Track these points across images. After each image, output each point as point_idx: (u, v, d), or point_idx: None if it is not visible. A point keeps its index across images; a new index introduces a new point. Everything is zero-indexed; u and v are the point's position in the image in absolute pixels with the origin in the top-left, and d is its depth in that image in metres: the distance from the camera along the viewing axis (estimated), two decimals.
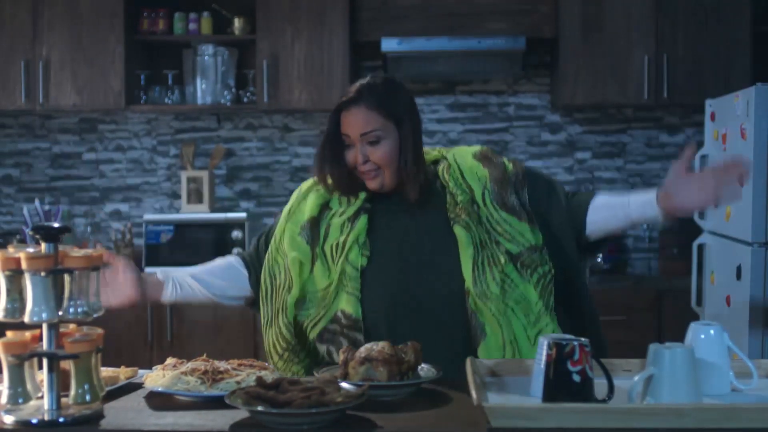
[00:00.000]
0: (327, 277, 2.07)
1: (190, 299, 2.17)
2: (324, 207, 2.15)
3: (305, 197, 2.18)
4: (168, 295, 2.14)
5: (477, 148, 2.21)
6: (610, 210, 2.08)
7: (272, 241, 2.18)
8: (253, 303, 2.23)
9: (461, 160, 2.15)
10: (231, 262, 2.22)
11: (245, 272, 2.20)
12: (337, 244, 2.08)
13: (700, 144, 4.12)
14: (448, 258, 2.04)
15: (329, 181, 2.12)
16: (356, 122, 2.05)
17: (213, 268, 2.21)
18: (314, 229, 2.12)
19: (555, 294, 2.05)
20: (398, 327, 2.01)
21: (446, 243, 2.05)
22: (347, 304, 2.04)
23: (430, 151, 2.20)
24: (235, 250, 4.30)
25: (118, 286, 2.00)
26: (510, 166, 2.15)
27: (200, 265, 2.21)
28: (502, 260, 2.02)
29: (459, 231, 2.05)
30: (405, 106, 2.10)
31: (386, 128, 2.06)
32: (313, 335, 2.07)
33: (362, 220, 2.10)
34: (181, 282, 2.15)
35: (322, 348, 2.06)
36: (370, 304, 2.04)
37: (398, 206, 2.11)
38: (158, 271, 2.16)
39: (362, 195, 2.13)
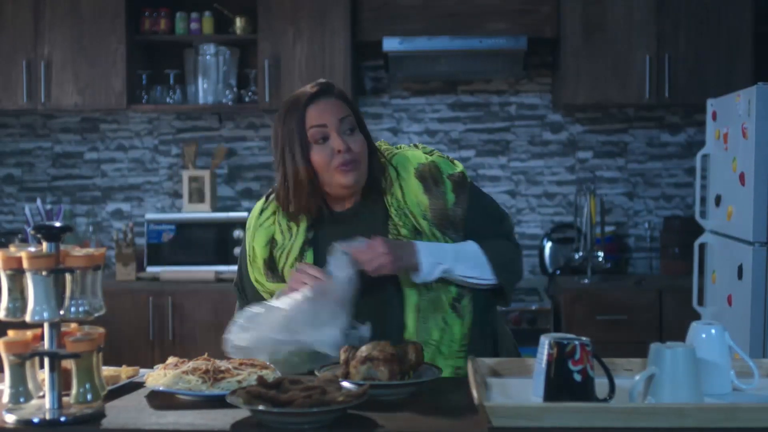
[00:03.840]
0: None
1: None
2: (272, 243, 2.10)
3: (254, 236, 2.12)
4: None
5: (422, 158, 2.10)
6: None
7: (250, 277, 2.13)
8: None
9: (404, 176, 2.07)
10: None
11: None
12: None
13: (701, 143, 4.12)
14: (391, 304, 2.01)
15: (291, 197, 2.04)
16: (334, 109, 2.02)
17: None
18: (274, 269, 2.09)
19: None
20: None
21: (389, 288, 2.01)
22: None
23: (380, 144, 2.14)
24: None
25: None
26: (450, 199, 2.06)
27: None
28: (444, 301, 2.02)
29: (404, 281, 2.01)
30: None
31: (357, 122, 2.06)
32: None
33: (308, 257, 2.06)
34: None
35: None
36: None
37: (339, 228, 2.05)
38: None
39: (303, 224, 2.08)
